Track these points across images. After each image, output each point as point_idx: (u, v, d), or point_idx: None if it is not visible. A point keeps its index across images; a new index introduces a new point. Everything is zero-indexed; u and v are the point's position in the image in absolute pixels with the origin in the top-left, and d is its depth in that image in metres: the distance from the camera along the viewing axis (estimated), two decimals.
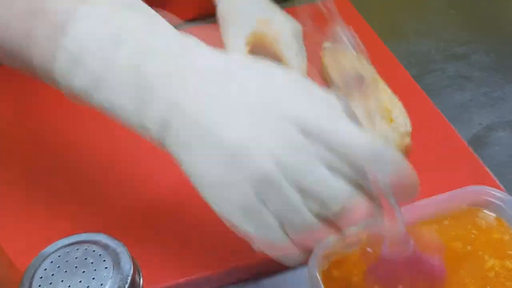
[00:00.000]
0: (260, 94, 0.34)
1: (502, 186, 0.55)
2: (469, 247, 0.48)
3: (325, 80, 0.65)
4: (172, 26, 0.39)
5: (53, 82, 0.40)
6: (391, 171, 0.33)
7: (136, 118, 0.37)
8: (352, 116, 0.33)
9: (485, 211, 0.51)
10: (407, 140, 0.56)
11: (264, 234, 0.34)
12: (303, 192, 0.32)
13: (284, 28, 0.61)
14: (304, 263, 0.47)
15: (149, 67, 0.36)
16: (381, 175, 0.33)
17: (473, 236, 0.49)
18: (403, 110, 0.57)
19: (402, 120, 0.55)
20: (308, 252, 0.36)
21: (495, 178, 0.55)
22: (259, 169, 0.33)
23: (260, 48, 0.61)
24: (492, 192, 0.50)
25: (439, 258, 0.41)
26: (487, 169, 0.56)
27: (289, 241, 0.34)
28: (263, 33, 0.61)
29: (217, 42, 0.73)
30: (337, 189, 0.32)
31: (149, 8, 0.40)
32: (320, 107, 0.34)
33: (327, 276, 0.46)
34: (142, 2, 0.40)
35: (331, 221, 0.34)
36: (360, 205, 0.33)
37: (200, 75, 0.36)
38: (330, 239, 0.46)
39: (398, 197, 0.34)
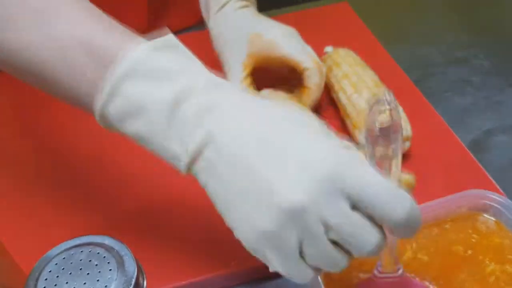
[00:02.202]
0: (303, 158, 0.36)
1: (501, 190, 0.55)
2: (469, 252, 0.48)
3: (327, 83, 0.65)
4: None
5: (101, 123, 0.42)
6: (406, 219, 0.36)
7: (167, 146, 0.39)
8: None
9: (485, 215, 0.51)
10: (407, 144, 0.57)
11: (283, 260, 0.36)
12: (329, 228, 0.35)
13: (277, 34, 0.60)
14: None
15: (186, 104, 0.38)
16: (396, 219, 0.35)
17: (473, 240, 0.49)
18: (403, 114, 0.57)
19: (402, 125, 0.55)
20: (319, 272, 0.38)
21: (494, 182, 0.56)
22: (288, 200, 0.34)
23: (267, 63, 0.60)
24: (492, 196, 0.50)
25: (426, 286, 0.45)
26: (486, 173, 0.57)
27: (305, 266, 0.37)
28: (259, 50, 0.60)
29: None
30: (371, 236, 0.35)
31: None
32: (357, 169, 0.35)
33: (327, 278, 0.47)
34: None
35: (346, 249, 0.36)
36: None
37: (237, 111, 0.38)
38: None
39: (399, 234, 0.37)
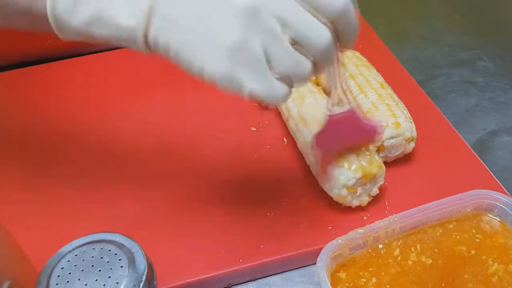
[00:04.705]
0: None
1: (506, 190, 0.55)
2: (473, 252, 0.49)
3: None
4: None
5: (54, 24, 0.42)
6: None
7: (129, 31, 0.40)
8: None
9: (489, 215, 0.51)
10: (412, 145, 0.57)
11: (256, 74, 0.38)
12: (285, 25, 0.38)
13: None
14: (312, 262, 0.48)
15: None
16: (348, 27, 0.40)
17: (477, 240, 0.50)
18: (408, 115, 0.58)
19: (407, 126, 0.56)
20: (290, 88, 0.40)
21: (499, 182, 0.56)
22: (240, 3, 0.37)
23: None
24: (496, 196, 0.51)
25: (374, 120, 0.53)
26: (491, 173, 0.57)
27: (275, 79, 0.39)
28: None
29: None
30: (322, 30, 0.39)
31: None
32: None
33: (334, 277, 0.47)
34: None
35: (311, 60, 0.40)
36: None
37: None
38: (339, 241, 0.47)
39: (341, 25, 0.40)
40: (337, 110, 0.48)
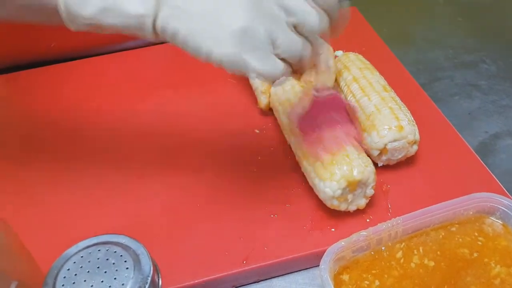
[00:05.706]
0: None
1: (509, 193, 0.55)
2: (475, 254, 0.49)
3: (336, 83, 0.66)
4: None
5: (65, 14, 0.43)
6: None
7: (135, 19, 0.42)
8: None
9: (492, 218, 0.51)
10: (415, 148, 0.57)
11: (259, 56, 0.42)
12: (287, 11, 0.43)
13: None
14: (316, 264, 0.48)
15: None
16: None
17: (479, 243, 0.50)
18: (411, 118, 0.58)
19: (410, 129, 0.56)
20: (287, 65, 0.44)
21: (502, 185, 0.56)
22: None
23: None
24: (499, 199, 0.51)
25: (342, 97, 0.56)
26: (494, 176, 0.57)
27: (277, 59, 0.43)
28: None
29: None
30: (313, 13, 0.44)
31: None
32: None
33: (337, 279, 0.47)
34: None
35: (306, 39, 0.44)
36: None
37: None
38: (342, 243, 0.48)
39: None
40: (321, 92, 0.51)
